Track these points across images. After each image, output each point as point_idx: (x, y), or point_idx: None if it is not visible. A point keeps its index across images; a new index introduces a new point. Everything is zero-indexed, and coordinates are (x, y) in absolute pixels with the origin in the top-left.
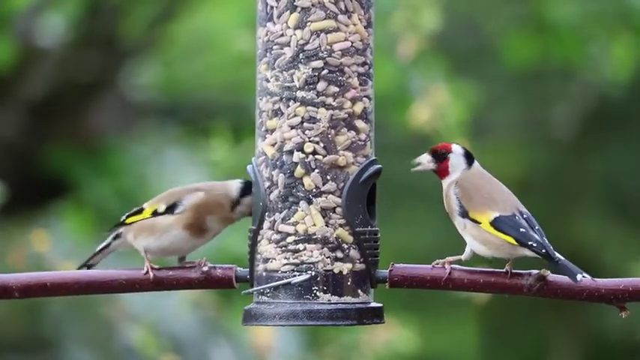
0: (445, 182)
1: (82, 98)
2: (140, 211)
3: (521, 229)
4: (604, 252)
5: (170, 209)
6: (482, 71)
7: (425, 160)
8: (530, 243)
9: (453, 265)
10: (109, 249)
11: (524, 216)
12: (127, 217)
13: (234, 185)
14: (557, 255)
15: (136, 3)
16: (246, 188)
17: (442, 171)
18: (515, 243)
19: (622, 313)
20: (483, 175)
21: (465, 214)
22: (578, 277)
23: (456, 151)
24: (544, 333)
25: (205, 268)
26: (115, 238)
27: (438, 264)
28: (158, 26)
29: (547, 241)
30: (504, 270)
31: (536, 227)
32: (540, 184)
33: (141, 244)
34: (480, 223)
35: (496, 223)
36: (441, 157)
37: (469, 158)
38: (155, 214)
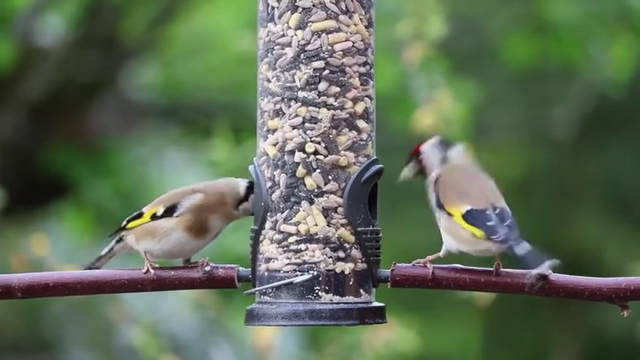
0: (428, 178)
1: (82, 98)
2: (140, 216)
3: (488, 223)
4: (604, 252)
5: (169, 212)
6: (483, 71)
7: (407, 169)
8: (493, 237)
9: (456, 265)
10: (111, 252)
11: (496, 211)
12: (128, 222)
13: (241, 184)
14: (520, 250)
15: (136, 3)
16: (251, 187)
17: (422, 171)
18: (479, 236)
19: (624, 311)
20: (465, 170)
21: (441, 207)
22: (533, 271)
23: (426, 149)
24: (544, 333)
25: (207, 268)
26: (117, 242)
27: (418, 262)
28: (158, 26)
29: (515, 236)
30: (492, 269)
31: (506, 222)
32: (540, 184)
33: (143, 247)
34: (453, 216)
35: (467, 216)
36: (417, 160)
37: (446, 147)
38: (154, 217)
